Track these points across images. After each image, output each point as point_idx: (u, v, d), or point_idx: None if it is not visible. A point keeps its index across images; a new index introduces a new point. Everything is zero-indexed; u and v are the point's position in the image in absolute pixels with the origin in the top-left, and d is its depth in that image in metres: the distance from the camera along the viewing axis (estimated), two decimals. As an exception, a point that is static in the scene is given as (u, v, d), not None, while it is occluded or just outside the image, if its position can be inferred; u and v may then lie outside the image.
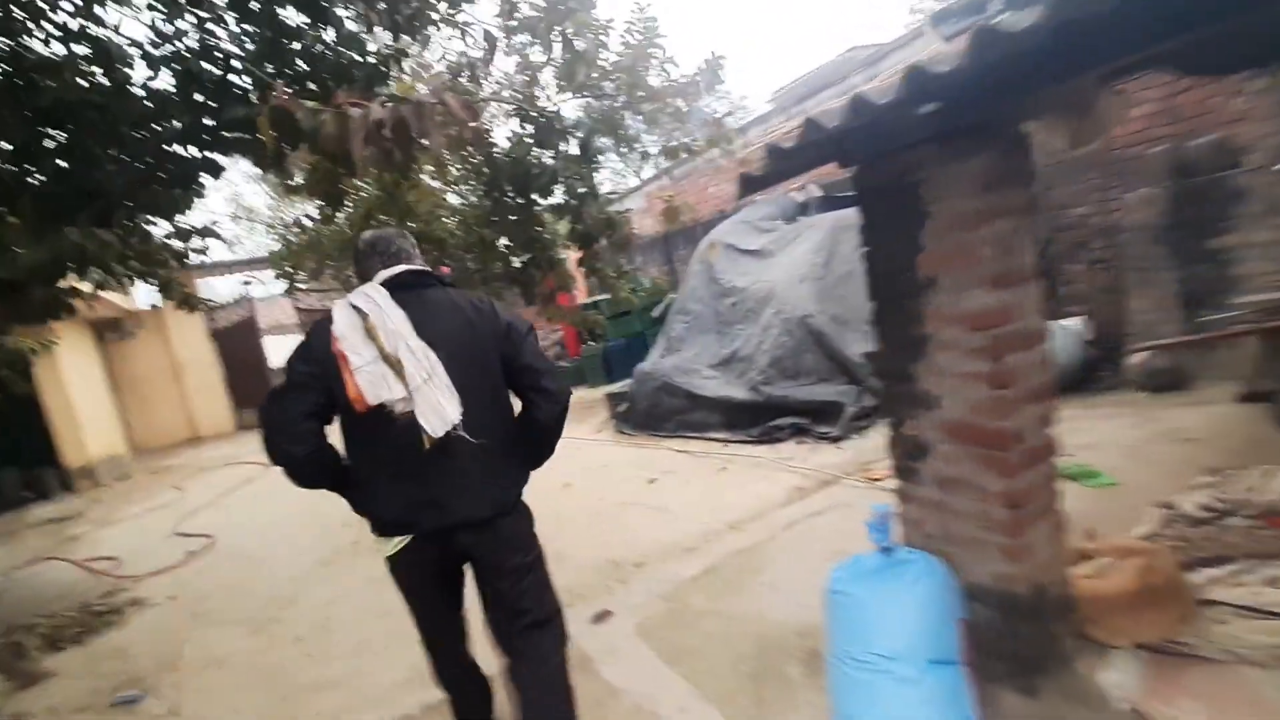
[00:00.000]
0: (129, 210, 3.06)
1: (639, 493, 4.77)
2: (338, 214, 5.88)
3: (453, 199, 6.09)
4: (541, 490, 5.15)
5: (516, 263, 4.90)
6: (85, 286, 3.79)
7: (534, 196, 4.51)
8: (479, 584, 1.86)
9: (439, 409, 1.60)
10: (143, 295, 11.34)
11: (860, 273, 6.46)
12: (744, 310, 6.43)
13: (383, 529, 1.76)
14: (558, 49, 3.87)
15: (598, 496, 4.83)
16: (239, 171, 20.75)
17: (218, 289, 13.13)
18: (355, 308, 1.65)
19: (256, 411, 1.76)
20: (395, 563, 1.78)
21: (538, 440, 1.88)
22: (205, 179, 3.30)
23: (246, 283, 12.05)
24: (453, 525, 1.71)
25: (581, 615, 2.96)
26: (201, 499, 7.19)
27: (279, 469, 1.71)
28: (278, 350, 12.42)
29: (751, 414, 5.67)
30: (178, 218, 3.96)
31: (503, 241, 4.92)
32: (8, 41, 2.36)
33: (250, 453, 9.58)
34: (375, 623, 3.30)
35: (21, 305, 2.62)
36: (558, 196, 4.48)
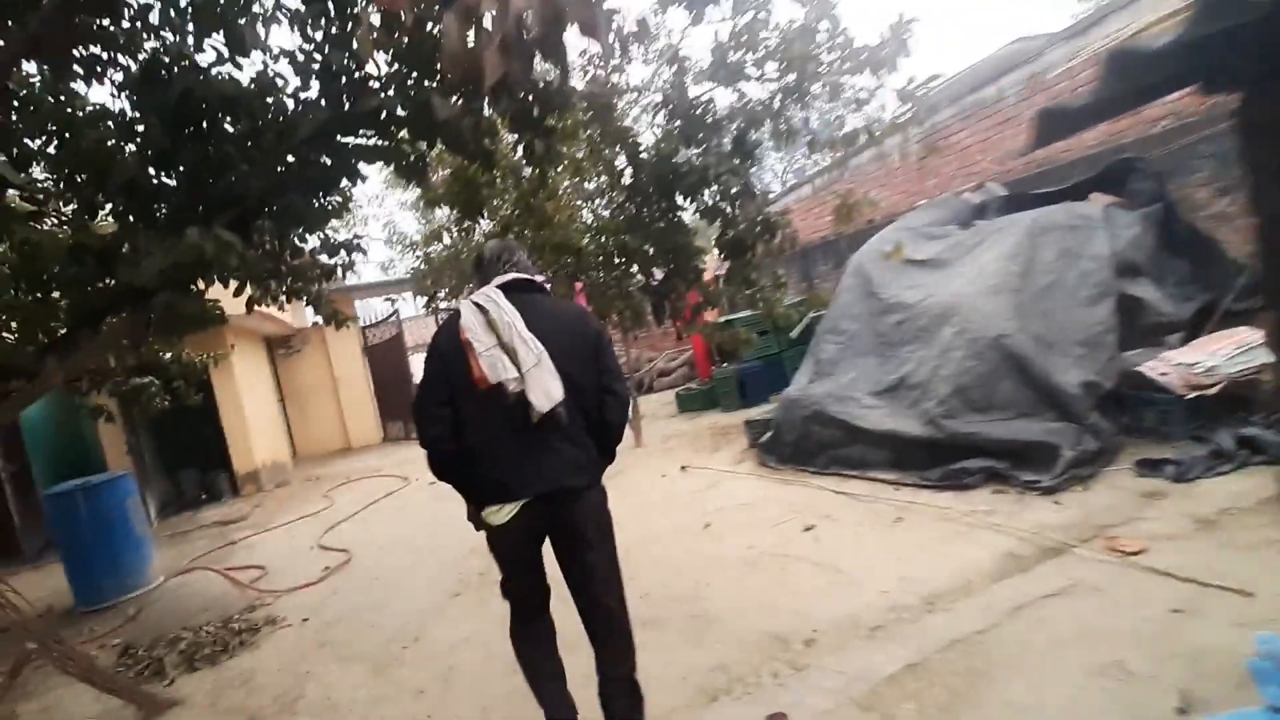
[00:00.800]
0: (269, 219, 2.92)
1: (795, 542, 4.04)
2: (476, 227, 5.76)
3: (588, 215, 5.78)
4: (680, 531, 4.58)
5: (657, 274, 4.40)
6: (237, 305, 3.80)
7: (679, 199, 4.01)
8: (559, 552, 2.11)
9: (547, 389, 1.90)
10: (310, 315, 12.35)
11: (1069, 285, 5.17)
12: (914, 329, 5.48)
13: (490, 495, 2.01)
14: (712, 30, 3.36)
15: (745, 543, 4.16)
16: (394, 201, 22.56)
17: (374, 308, 14.04)
18: (478, 305, 1.99)
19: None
20: (499, 530, 2.02)
21: (605, 435, 2.15)
22: (350, 193, 3.14)
23: (391, 299, 12.78)
24: (550, 492, 1.98)
25: (746, 715, 2.32)
26: (346, 510, 7.38)
27: (423, 469, 2.09)
28: (422, 367, 13.08)
29: (928, 452, 4.74)
30: (324, 230, 3.91)
31: (643, 251, 4.45)
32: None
33: (393, 465, 9.93)
34: (500, 681, 2.89)
35: (147, 315, 2.53)
36: (707, 198, 3.94)
